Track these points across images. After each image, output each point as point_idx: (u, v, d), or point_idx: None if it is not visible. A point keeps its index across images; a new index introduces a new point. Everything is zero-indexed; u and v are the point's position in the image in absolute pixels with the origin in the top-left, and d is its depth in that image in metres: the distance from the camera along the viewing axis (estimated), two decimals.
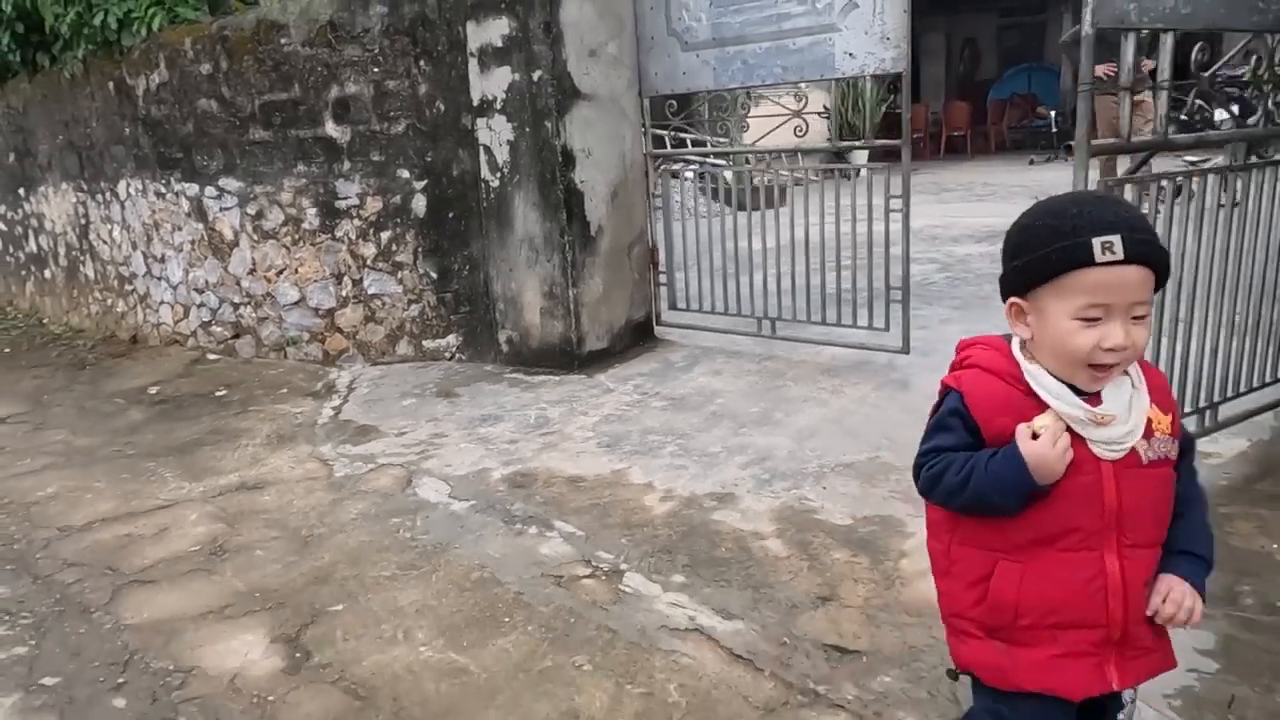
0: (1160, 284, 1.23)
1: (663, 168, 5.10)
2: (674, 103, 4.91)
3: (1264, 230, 2.92)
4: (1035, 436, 1.24)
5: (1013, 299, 1.29)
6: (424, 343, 5.07)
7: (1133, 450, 1.26)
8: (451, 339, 5.03)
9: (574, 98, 4.42)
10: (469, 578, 2.71)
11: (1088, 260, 1.18)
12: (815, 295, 4.51)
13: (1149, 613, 1.27)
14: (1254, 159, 2.85)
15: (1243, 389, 3.00)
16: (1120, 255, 1.17)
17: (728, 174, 5.64)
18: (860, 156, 9.27)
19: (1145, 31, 2.43)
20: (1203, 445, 2.97)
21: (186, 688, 2.29)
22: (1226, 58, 2.76)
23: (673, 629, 2.36)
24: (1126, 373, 1.27)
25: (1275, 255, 2.96)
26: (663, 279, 5.05)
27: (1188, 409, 2.87)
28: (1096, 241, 1.17)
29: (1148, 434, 1.27)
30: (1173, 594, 1.27)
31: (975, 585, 1.33)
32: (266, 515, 3.30)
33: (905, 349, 4.18)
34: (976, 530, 1.33)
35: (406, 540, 2.98)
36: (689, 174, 7.14)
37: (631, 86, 4.73)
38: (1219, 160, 3.20)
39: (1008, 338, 1.34)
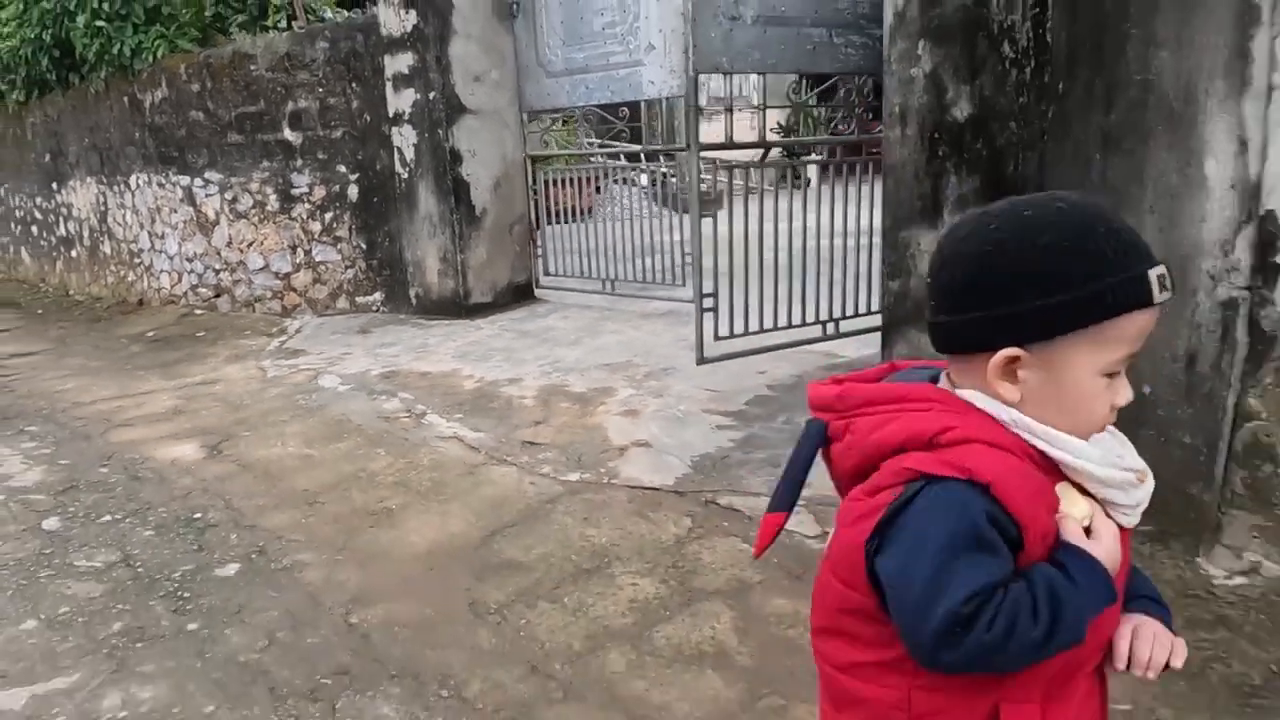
0: None
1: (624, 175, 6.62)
2: (625, 111, 6.42)
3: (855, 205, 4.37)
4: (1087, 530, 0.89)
5: (1012, 350, 0.88)
6: (357, 298, 6.59)
7: None
8: (377, 295, 6.55)
9: (461, 112, 5.93)
10: (332, 419, 4.20)
11: (1146, 300, 0.86)
12: (647, 264, 5.98)
13: (1120, 665, 0.93)
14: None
15: (851, 313, 4.45)
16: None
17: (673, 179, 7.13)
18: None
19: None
20: (831, 347, 4.44)
21: (145, 465, 3.79)
22: (822, 88, 4.23)
23: (441, 436, 3.84)
24: None
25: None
26: (539, 251, 6.55)
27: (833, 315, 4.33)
28: (1153, 275, 0.86)
29: None
30: (1156, 632, 0.94)
31: None
32: (213, 395, 4.81)
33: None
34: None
35: (301, 404, 4.49)
36: (643, 179, 8.46)
37: (512, 104, 6.23)
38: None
39: (933, 378, 0.99)
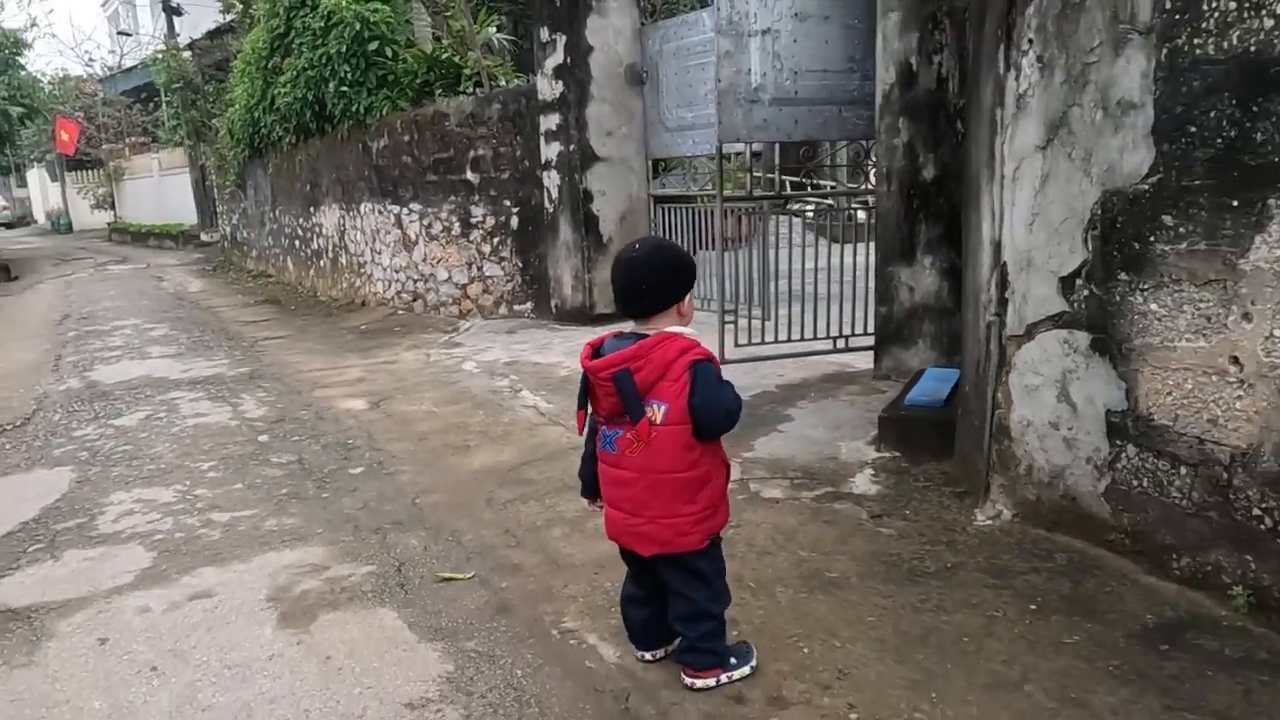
0: None
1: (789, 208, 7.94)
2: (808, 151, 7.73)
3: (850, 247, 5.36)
4: None
5: (687, 298, 2.26)
6: (514, 306, 8.23)
7: None
8: (529, 304, 8.15)
9: (594, 160, 7.41)
10: (458, 390, 5.75)
11: None
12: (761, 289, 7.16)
13: None
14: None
15: (860, 331, 5.44)
16: None
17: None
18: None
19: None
20: (844, 359, 5.47)
21: (328, 410, 5.49)
22: (830, 153, 5.27)
23: (525, 405, 5.28)
24: None
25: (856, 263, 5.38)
26: None
27: (843, 332, 5.38)
28: None
29: None
30: None
31: (724, 469, 2.34)
32: (388, 371, 6.53)
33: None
34: (717, 446, 2.31)
35: (442, 379, 6.09)
36: (809, 213, 9.50)
37: (639, 153, 7.64)
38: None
39: (637, 335, 2.24)
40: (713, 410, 2.17)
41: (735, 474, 3.95)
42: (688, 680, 2.37)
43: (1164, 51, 2.46)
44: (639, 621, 2.49)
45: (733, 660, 2.40)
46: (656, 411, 2.21)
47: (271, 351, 7.68)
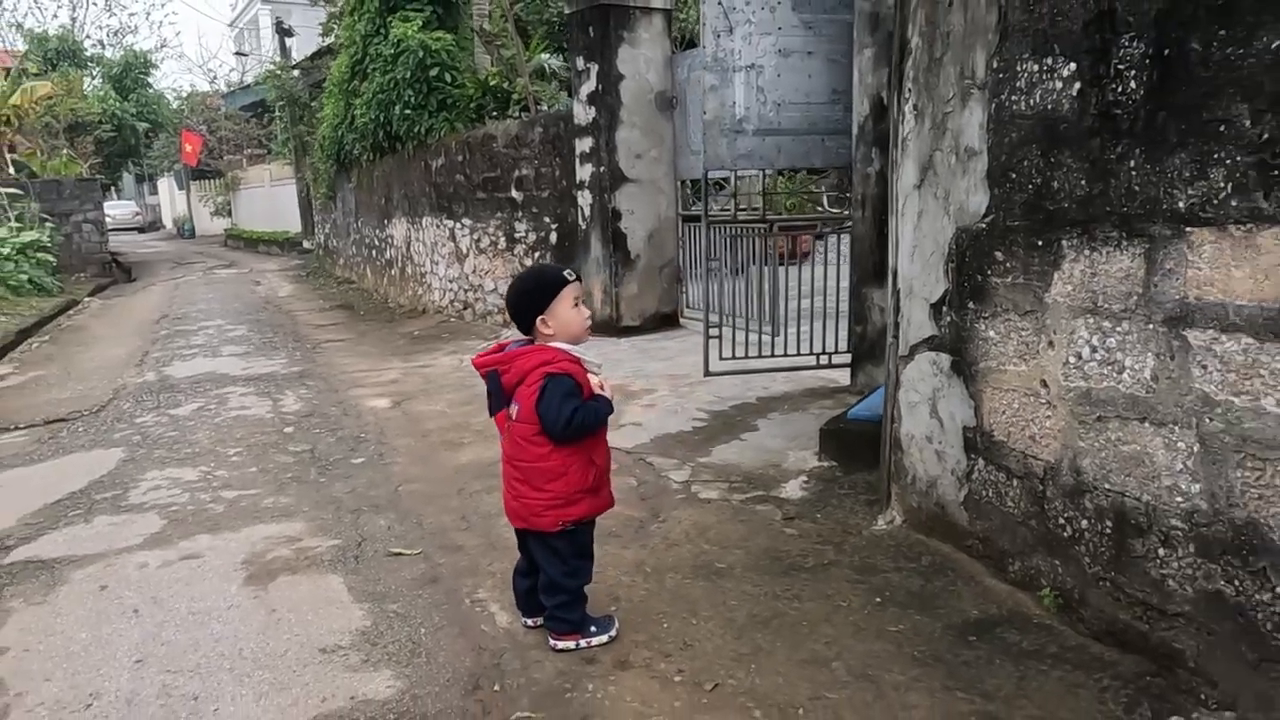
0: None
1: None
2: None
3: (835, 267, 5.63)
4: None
5: (540, 318, 2.56)
6: None
7: None
8: None
9: (623, 181, 7.86)
10: (474, 392, 6.25)
11: (564, 281, 2.59)
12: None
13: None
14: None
15: (841, 348, 5.71)
16: (578, 279, 2.65)
17: None
18: None
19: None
20: (831, 374, 5.75)
21: (355, 407, 6.08)
22: (822, 178, 5.56)
23: None
24: None
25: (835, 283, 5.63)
26: (683, 289, 8.28)
27: (825, 349, 5.67)
28: (567, 274, 2.62)
29: None
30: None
31: (587, 470, 2.64)
32: (421, 375, 7.12)
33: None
34: (581, 445, 2.61)
35: (464, 383, 6.62)
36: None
37: (669, 174, 8.05)
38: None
39: (528, 342, 2.63)
40: (546, 418, 2.55)
41: (682, 475, 4.34)
42: (551, 642, 2.78)
43: (994, 105, 2.75)
44: (521, 591, 2.91)
45: (593, 629, 2.79)
46: (513, 410, 2.63)
47: (328, 353, 8.39)
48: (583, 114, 7.96)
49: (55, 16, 43.53)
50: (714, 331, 5.77)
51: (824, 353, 5.82)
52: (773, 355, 5.86)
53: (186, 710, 2.55)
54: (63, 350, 9.30)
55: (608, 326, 8.05)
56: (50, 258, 14.32)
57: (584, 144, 8.00)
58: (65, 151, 18.86)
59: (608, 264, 7.97)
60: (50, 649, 2.93)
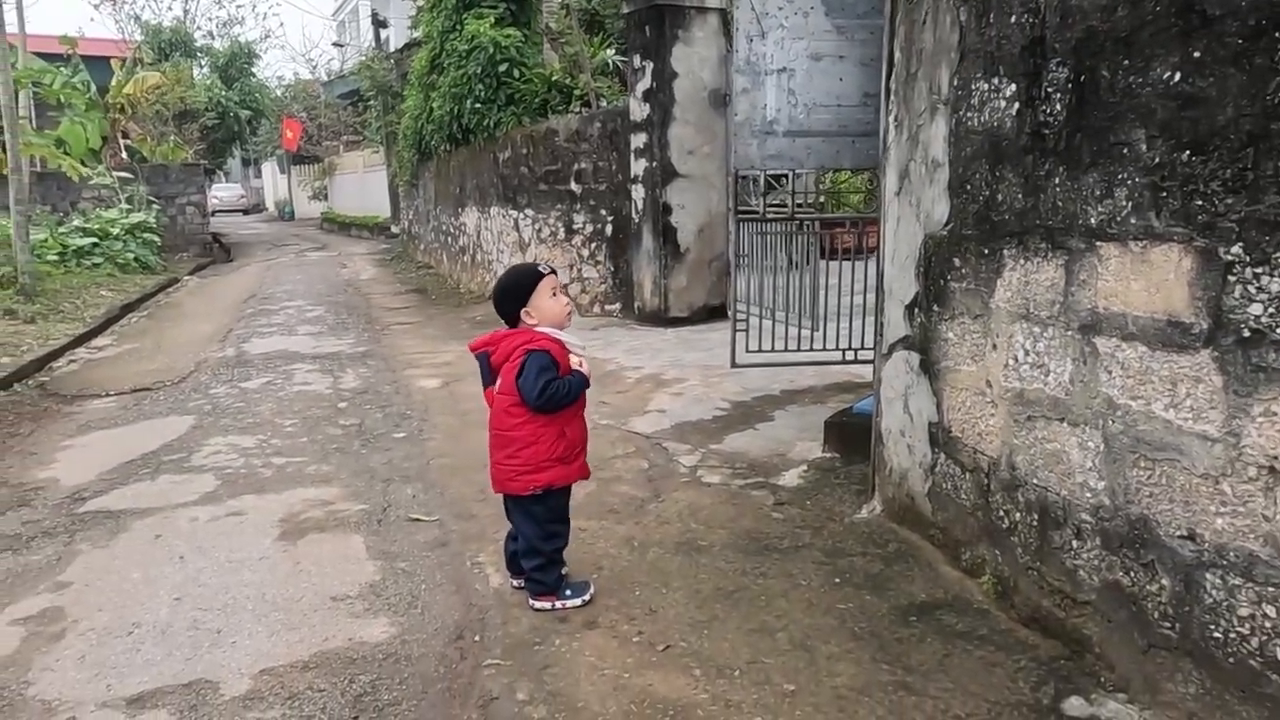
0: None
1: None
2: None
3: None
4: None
5: (524, 310, 2.89)
6: (605, 306, 9.06)
7: None
8: (617, 305, 8.95)
9: (674, 176, 8.10)
10: None
11: (540, 275, 2.91)
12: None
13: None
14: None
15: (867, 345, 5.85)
16: (554, 272, 3.28)
17: None
18: None
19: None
20: (860, 370, 5.91)
21: (407, 386, 6.51)
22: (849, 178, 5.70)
23: None
24: None
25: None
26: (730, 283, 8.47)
27: (853, 345, 5.84)
28: (542, 269, 2.95)
29: None
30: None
31: (558, 441, 2.93)
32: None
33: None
34: (556, 416, 2.90)
35: None
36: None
37: (720, 170, 8.26)
38: None
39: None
40: (524, 389, 2.85)
41: (691, 460, 4.60)
42: (530, 602, 3.08)
43: (954, 120, 2.92)
44: (509, 554, 3.22)
45: (568, 592, 3.09)
46: (497, 383, 2.93)
47: (394, 335, 8.89)
48: (638, 110, 8.22)
49: (170, 9, 45.85)
50: (741, 325, 5.98)
51: (850, 348, 5.97)
52: (800, 350, 6.03)
53: (210, 641, 2.94)
54: (157, 325, 10.06)
55: (656, 317, 8.32)
56: (155, 238, 15.34)
57: (638, 139, 8.27)
58: (173, 138, 20.05)
59: (658, 256, 8.23)
60: (106, 585, 3.38)
